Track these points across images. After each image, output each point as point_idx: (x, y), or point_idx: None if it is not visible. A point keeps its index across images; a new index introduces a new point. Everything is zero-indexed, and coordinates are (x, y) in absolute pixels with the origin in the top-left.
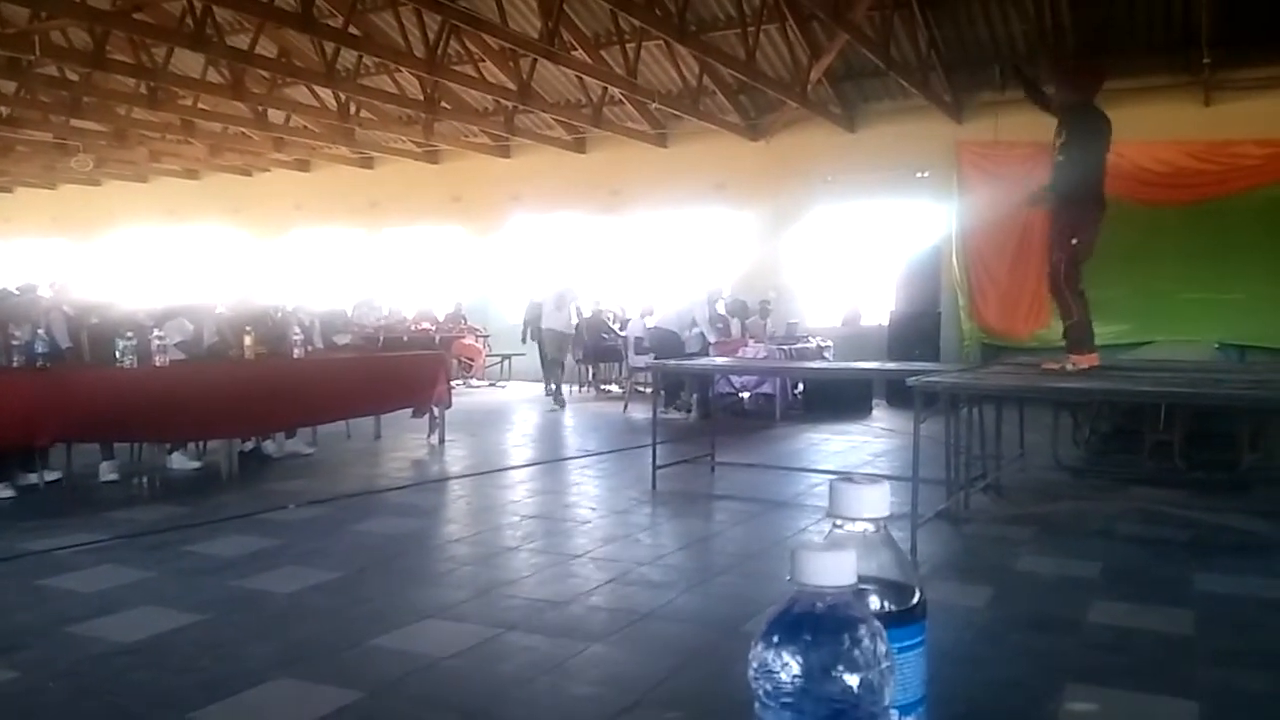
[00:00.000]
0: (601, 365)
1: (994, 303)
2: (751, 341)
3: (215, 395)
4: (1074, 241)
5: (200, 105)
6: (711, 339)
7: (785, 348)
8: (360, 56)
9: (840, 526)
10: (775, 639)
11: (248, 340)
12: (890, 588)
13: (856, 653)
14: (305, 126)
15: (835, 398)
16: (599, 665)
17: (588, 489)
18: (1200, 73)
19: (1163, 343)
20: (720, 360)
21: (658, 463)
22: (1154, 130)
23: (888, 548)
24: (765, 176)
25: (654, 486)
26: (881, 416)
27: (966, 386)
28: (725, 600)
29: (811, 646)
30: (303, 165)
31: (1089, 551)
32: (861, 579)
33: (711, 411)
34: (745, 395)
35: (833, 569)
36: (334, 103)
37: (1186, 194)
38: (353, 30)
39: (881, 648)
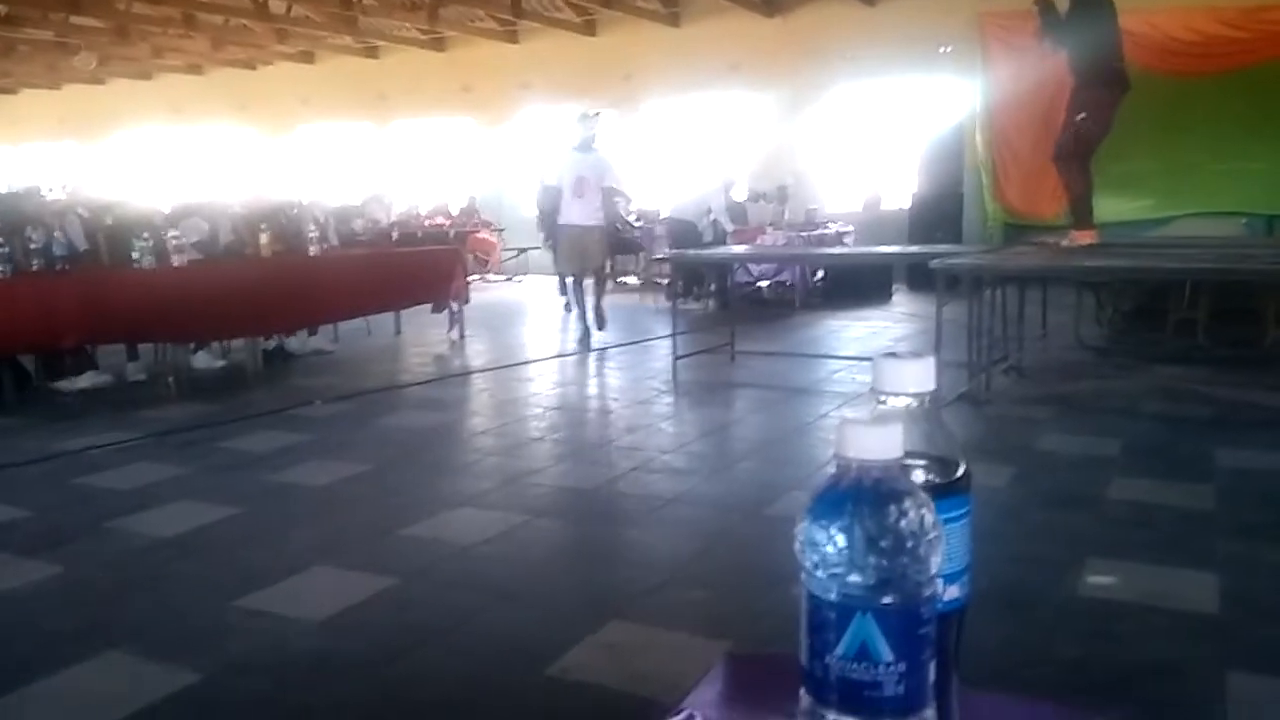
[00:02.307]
0: (618, 258)
1: (1018, 182)
2: (770, 229)
3: (235, 294)
4: (1080, 117)
5: None
6: (729, 227)
7: (804, 235)
8: None
9: (884, 401)
10: (822, 512)
11: (264, 238)
12: (935, 461)
13: (904, 524)
14: (307, 16)
15: (855, 284)
16: (626, 548)
17: (609, 380)
18: None
19: (1189, 218)
20: (738, 249)
21: (678, 353)
22: None
23: (931, 422)
24: (782, 55)
25: (674, 376)
26: (902, 301)
27: (989, 268)
28: (747, 485)
29: (858, 519)
30: (307, 57)
31: (1111, 430)
32: (907, 453)
33: (730, 301)
34: (764, 284)
35: (879, 443)
36: None
37: (1217, 63)
38: None
39: (929, 518)
